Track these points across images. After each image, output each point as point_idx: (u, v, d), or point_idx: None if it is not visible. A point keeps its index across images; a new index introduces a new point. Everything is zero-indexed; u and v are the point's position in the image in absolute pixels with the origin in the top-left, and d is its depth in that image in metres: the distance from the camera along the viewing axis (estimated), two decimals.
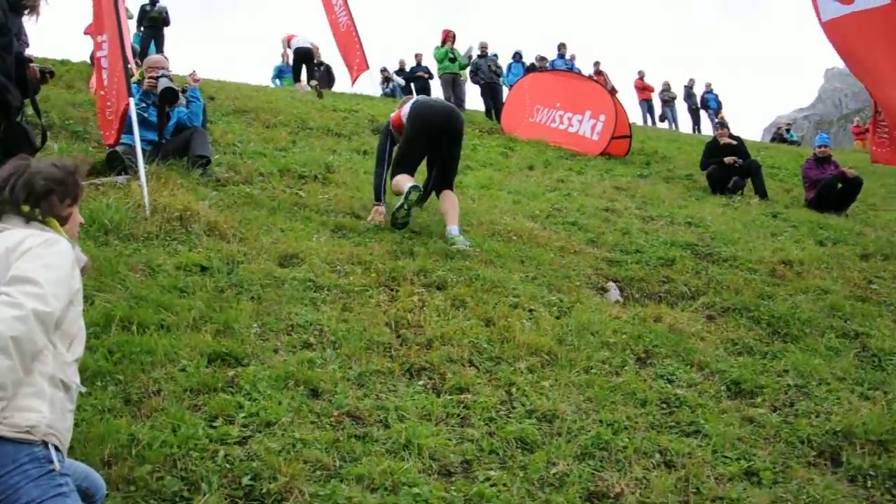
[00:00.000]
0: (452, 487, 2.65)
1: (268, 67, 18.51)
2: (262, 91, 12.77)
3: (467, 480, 2.72)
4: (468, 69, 15.34)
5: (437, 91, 18.28)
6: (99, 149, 6.34)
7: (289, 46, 16.73)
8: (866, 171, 8.99)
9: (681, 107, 20.85)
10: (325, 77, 18.72)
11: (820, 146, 9.37)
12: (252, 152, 7.32)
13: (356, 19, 15.68)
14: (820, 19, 6.16)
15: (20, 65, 3.77)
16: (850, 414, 3.46)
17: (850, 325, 4.69)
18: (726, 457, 3.07)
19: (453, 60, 14.51)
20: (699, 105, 20.66)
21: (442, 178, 5.77)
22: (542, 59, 17.66)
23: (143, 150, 5.30)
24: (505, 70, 16.20)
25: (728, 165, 9.24)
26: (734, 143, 9.64)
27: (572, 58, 18.10)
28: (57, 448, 1.84)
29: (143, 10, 13.96)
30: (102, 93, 5.87)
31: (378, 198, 5.87)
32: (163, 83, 5.99)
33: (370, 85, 16.90)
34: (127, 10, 11.11)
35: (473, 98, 20.15)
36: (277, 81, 18.73)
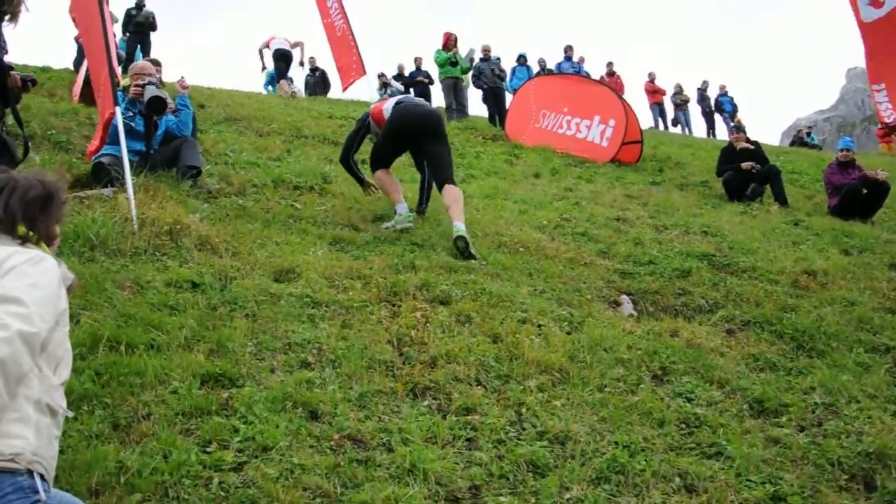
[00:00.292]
0: None
1: (260, 74, 18.60)
2: (254, 98, 12.83)
3: None
4: (470, 73, 15.40)
5: (437, 97, 18.39)
6: (83, 160, 6.36)
7: (267, 47, 16.83)
8: (894, 177, 8.97)
9: (694, 110, 20.93)
10: (320, 83, 18.84)
11: (843, 150, 9.36)
12: (245, 162, 7.33)
13: (352, 22, 15.82)
14: (860, 21, 6.22)
15: (0, 73, 3.77)
16: (884, 434, 3.42)
17: (880, 339, 4.66)
18: (751, 480, 3.04)
19: (455, 64, 14.56)
20: (713, 108, 20.70)
21: (439, 175, 6.04)
22: (542, 62, 17.76)
23: (130, 161, 5.30)
24: (509, 74, 16.27)
25: (745, 171, 9.24)
26: (751, 147, 9.65)
27: (581, 60, 18.18)
28: (42, 477, 1.82)
29: (128, 14, 14.02)
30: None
31: (361, 182, 6.60)
32: (150, 91, 5.98)
33: (368, 91, 17.01)
34: (112, 14, 11.19)
35: (476, 104, 20.21)
36: (270, 88, 18.84)
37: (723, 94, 20.73)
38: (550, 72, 17.06)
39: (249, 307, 3.97)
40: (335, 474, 2.75)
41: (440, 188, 5.97)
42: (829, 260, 6.23)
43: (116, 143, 5.48)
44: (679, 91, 20.52)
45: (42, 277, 1.88)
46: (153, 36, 14.33)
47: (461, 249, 5.37)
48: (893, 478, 3.13)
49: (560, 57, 17.91)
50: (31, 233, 1.99)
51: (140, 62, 7.06)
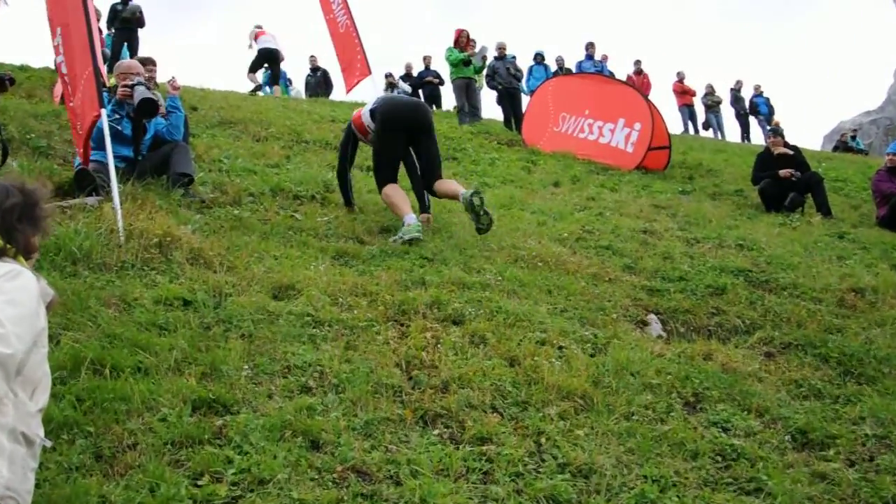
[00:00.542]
0: None
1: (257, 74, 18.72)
2: (250, 100, 12.91)
3: None
4: (484, 73, 15.43)
5: (448, 99, 18.43)
6: (65, 166, 6.39)
7: (255, 41, 16.88)
8: None
9: (727, 112, 20.89)
10: (321, 83, 18.94)
11: (891, 154, 9.31)
12: (241, 169, 7.35)
13: (357, 19, 15.90)
14: None
15: None
16: None
17: None
18: None
19: (468, 64, 14.57)
20: (748, 110, 20.67)
21: (432, 175, 6.42)
22: (561, 60, 17.78)
23: (117, 168, 5.32)
24: (525, 74, 16.30)
25: (784, 179, 9.20)
26: (790, 152, 9.61)
27: (603, 59, 18.19)
28: None
29: (113, 9, 14.03)
30: (72, 104, 5.90)
31: (349, 203, 6.74)
32: (140, 93, 5.96)
33: (373, 92, 17.04)
34: (96, 9, 11.26)
35: (489, 106, 20.26)
36: (268, 89, 18.94)
37: (758, 94, 20.69)
38: (570, 71, 17.10)
39: (245, 327, 3.96)
40: None
41: (431, 185, 6.41)
42: (879, 276, 6.18)
43: (101, 148, 5.50)
44: (710, 92, 20.49)
45: (19, 294, 1.87)
46: (141, 33, 14.38)
47: (476, 207, 5.83)
48: None
49: (581, 55, 17.97)
50: (7, 245, 1.98)
51: (127, 61, 7.09)
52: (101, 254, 4.53)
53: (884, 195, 8.94)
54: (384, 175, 6.38)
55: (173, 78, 6.63)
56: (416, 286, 4.86)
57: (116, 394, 3.17)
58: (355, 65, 15.73)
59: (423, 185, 6.60)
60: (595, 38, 16.48)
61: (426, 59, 19.23)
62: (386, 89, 17.53)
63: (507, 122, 15.02)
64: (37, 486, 2.02)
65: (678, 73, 20.26)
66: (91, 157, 5.86)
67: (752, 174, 9.75)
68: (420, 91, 18.93)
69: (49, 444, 2.05)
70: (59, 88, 9.19)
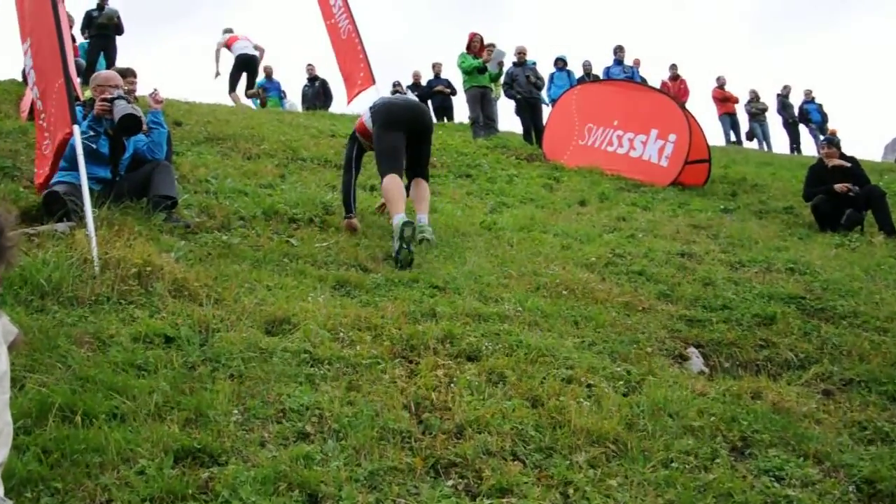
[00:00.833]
0: None
1: (213, 80, 18.82)
2: (240, 114, 13.01)
3: None
4: (500, 81, 15.49)
5: (461, 110, 18.49)
6: (32, 189, 6.43)
7: (229, 50, 16.97)
8: None
9: (774, 121, 20.87)
10: (319, 94, 19.09)
11: None
12: (230, 191, 7.39)
13: (360, 24, 16.03)
14: None
15: None
16: None
17: None
18: None
19: (482, 71, 14.61)
20: (797, 118, 20.62)
21: (417, 168, 7.08)
22: (588, 65, 17.83)
23: (92, 191, 5.34)
24: (546, 81, 16.36)
25: (840, 194, 9.16)
26: (847, 164, 9.57)
27: (635, 64, 18.24)
28: None
29: (88, 15, 14.13)
30: (41, 122, 5.93)
31: (349, 209, 7.02)
32: (121, 108, 5.97)
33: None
34: (69, 15, 11.35)
35: (507, 117, 20.34)
36: (250, 102, 19.08)
37: (809, 100, 20.63)
38: (597, 78, 17.15)
39: (235, 366, 3.95)
40: None
41: (410, 178, 7.04)
42: None
43: (74, 168, 5.51)
44: (755, 98, 20.51)
45: None
46: (119, 41, 14.44)
47: (407, 238, 6.04)
48: None
49: (609, 59, 18.04)
50: None
51: (105, 72, 7.11)
52: (73, 286, 4.54)
53: None
54: (385, 166, 6.91)
55: (155, 90, 6.63)
56: (426, 318, 4.85)
57: (89, 444, 3.15)
58: (357, 74, 15.81)
59: (406, 174, 7.13)
60: (625, 42, 16.54)
61: (436, 67, 19.35)
62: None
63: (526, 134, 15.06)
64: None
65: (718, 79, 20.29)
66: (61, 179, 5.87)
67: (803, 189, 9.71)
68: (429, 102, 19.03)
69: (10, 503, 2.03)
70: (26, 101, 9.25)
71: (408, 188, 7.17)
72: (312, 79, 19.53)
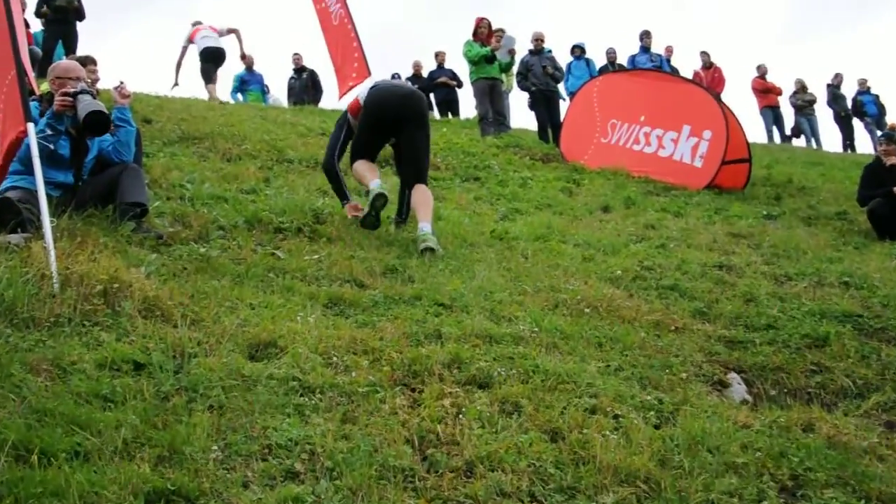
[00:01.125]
0: None
1: (226, 77, 18.95)
2: (218, 110, 13.04)
3: None
4: (514, 72, 15.48)
5: (467, 104, 18.50)
6: None
7: (192, 43, 16.99)
8: None
9: (823, 114, 20.80)
10: (308, 87, 19.13)
11: None
12: (207, 196, 7.40)
13: (353, 8, 16.05)
14: None
15: None
16: None
17: None
18: None
19: (491, 60, 14.62)
20: (851, 111, 20.55)
21: (411, 172, 7.36)
22: (612, 53, 17.83)
23: (50, 197, 5.33)
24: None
25: None
26: None
27: (666, 52, 18.22)
28: None
29: None
30: None
31: (344, 196, 7.56)
32: (86, 104, 5.91)
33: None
34: None
35: (520, 112, 20.40)
36: (239, 96, 19.17)
37: (863, 91, 20.53)
38: (622, 67, 17.17)
39: (214, 396, 3.93)
40: None
41: (410, 185, 7.29)
42: None
43: (29, 172, 5.47)
44: (801, 89, 20.46)
45: None
46: (80, 26, 14.41)
47: (377, 207, 6.82)
48: None
49: (634, 47, 18.06)
50: None
51: (65, 62, 7.09)
52: (29, 306, 4.51)
53: None
54: (358, 154, 7.39)
55: (122, 83, 6.60)
56: (431, 340, 4.83)
57: (47, 487, 3.13)
58: (351, 64, 15.81)
59: (402, 180, 7.60)
60: (652, 27, 16.38)
61: (439, 56, 19.40)
62: None
63: (542, 132, 15.08)
64: None
65: (759, 67, 20.25)
66: (14, 184, 5.83)
67: (858, 192, 9.69)
68: (432, 95, 19.05)
69: None
70: None
71: (404, 197, 7.49)
72: (299, 70, 19.57)
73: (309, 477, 3.45)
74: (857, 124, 20.67)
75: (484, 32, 14.85)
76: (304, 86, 19.21)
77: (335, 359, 4.46)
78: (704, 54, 19.24)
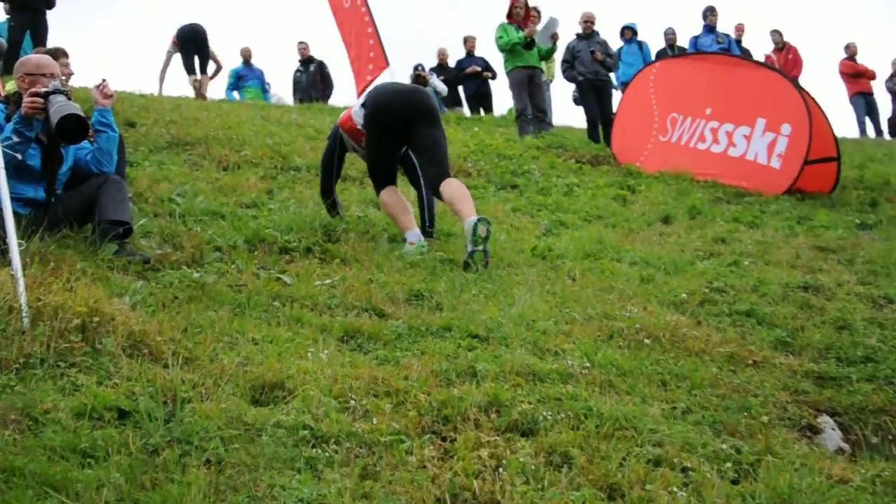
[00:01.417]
0: None
1: (221, 73, 19.08)
2: (213, 110, 13.12)
3: None
4: (557, 60, 15.45)
5: (502, 98, 18.45)
6: None
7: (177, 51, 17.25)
8: None
9: None
10: (317, 82, 19.22)
11: None
12: (202, 212, 7.44)
13: None
14: None
15: None
16: None
17: None
18: None
19: (529, 46, 14.61)
20: None
21: (433, 171, 7.44)
22: (671, 34, 17.75)
23: (18, 215, 5.36)
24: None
25: None
26: None
27: (737, 31, 18.09)
28: None
29: None
30: None
31: (337, 214, 7.89)
32: (60, 105, 5.84)
33: None
34: None
35: (564, 106, 20.34)
36: (235, 94, 19.28)
37: None
38: (682, 51, 17.12)
39: (212, 448, 3.93)
40: None
41: (436, 186, 7.34)
42: None
43: None
44: None
45: None
46: (50, 15, 14.58)
47: (477, 239, 6.81)
48: None
49: (697, 27, 17.99)
50: None
51: (35, 56, 7.12)
52: None
53: None
54: (381, 177, 7.64)
55: (103, 81, 6.62)
56: (464, 379, 4.81)
57: None
58: (367, 55, 15.84)
59: (426, 184, 7.76)
60: (719, 2, 16.13)
61: (468, 42, 19.41)
62: None
63: (591, 129, 15.07)
64: None
65: (847, 47, 20.02)
66: None
67: None
68: (460, 88, 19.05)
69: None
70: None
71: (424, 203, 7.85)
72: (306, 61, 19.66)
73: None
74: None
75: (520, 13, 14.85)
76: (312, 80, 19.31)
77: (352, 402, 4.45)
78: (776, 33, 19.12)
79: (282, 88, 20.25)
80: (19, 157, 6.00)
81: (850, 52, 19.96)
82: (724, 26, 17.97)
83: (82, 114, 5.93)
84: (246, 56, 19.76)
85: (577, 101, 16.02)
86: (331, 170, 8.02)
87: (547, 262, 7.44)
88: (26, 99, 6.01)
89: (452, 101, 19.41)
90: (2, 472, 3.59)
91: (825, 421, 4.89)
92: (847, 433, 4.87)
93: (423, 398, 4.52)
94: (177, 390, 4.34)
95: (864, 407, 5.06)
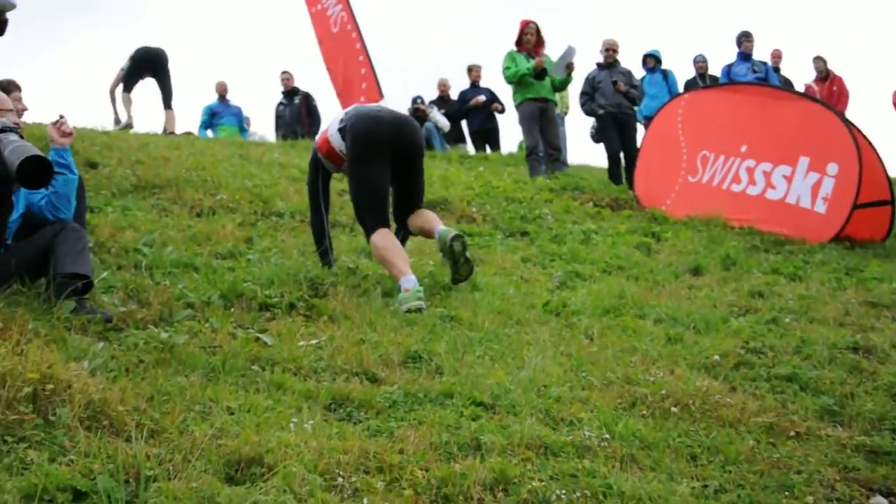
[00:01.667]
0: None
1: (193, 108, 19.19)
2: (184, 148, 13.16)
3: None
4: (569, 89, 15.48)
5: (510, 134, 18.51)
6: None
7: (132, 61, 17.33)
8: None
9: None
10: (302, 116, 19.29)
11: None
12: (171, 264, 7.46)
13: (359, 11, 16.14)
14: None
15: None
16: None
17: None
18: None
19: (541, 76, 14.67)
20: None
21: (409, 204, 8.14)
22: (701, 62, 17.78)
23: None
24: None
25: None
26: None
27: (774, 58, 18.12)
28: None
29: None
30: None
31: (328, 262, 8.14)
32: (15, 146, 5.84)
33: None
34: None
35: (581, 143, 20.42)
36: (209, 133, 19.34)
37: None
38: (714, 81, 17.19)
39: None
40: None
41: (407, 216, 8.10)
42: None
43: None
44: None
45: None
46: (1, 41, 14.77)
47: (457, 253, 7.48)
48: None
49: (731, 54, 18.06)
50: None
51: None
52: None
53: None
54: (371, 217, 7.82)
55: (61, 118, 6.66)
56: (467, 453, 4.81)
57: None
58: (358, 84, 15.89)
59: (396, 218, 8.23)
60: (754, 27, 16.19)
61: (473, 72, 19.50)
62: None
63: (612, 168, 15.08)
64: None
65: None
66: None
67: None
68: (464, 123, 19.11)
69: None
70: None
71: (401, 236, 8.09)
72: (290, 93, 19.74)
73: None
74: None
75: (531, 40, 14.88)
76: (297, 114, 19.38)
77: (340, 480, 4.44)
78: (819, 60, 19.11)
79: (262, 125, 20.32)
80: None
81: None
82: (761, 53, 18.08)
83: (37, 151, 5.86)
84: (221, 91, 19.86)
85: (594, 137, 16.03)
86: (319, 202, 8.23)
87: (561, 320, 7.45)
88: None
89: (455, 137, 19.48)
90: None
91: (878, 502, 4.86)
92: None
93: (421, 475, 4.50)
94: (141, 467, 4.33)
95: None
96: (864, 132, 11.75)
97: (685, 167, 12.64)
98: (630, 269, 9.38)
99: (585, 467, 4.71)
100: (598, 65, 15.43)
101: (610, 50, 15.45)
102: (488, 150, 19.17)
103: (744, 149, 12.12)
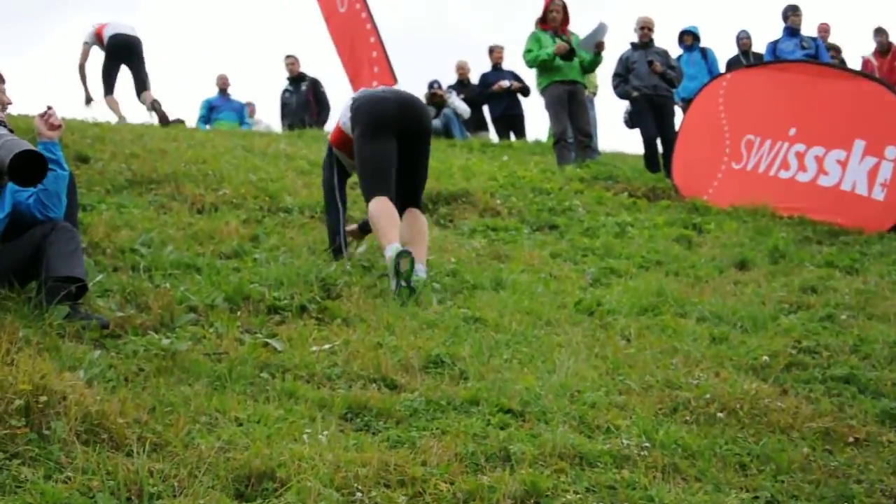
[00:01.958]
0: None
1: (192, 100, 19.27)
2: (184, 140, 13.16)
3: None
4: (603, 70, 15.49)
5: (536, 120, 18.48)
6: None
7: (100, 42, 17.28)
8: None
9: None
10: (309, 103, 19.26)
11: None
12: (172, 265, 7.47)
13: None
14: None
15: None
16: None
17: None
18: None
19: (569, 56, 14.60)
20: None
21: (404, 190, 8.24)
22: (744, 38, 17.68)
23: None
24: None
25: None
26: None
27: (821, 33, 18.00)
28: None
29: None
30: None
31: (339, 251, 8.39)
32: (4, 141, 5.86)
33: None
34: None
35: (613, 128, 20.41)
36: (207, 128, 19.35)
37: None
38: (759, 59, 17.11)
39: None
40: None
41: (401, 209, 8.10)
42: None
43: None
44: None
45: None
46: None
47: (405, 273, 7.33)
48: None
49: (776, 29, 17.97)
50: None
51: None
52: None
53: None
54: (373, 185, 8.07)
55: (50, 110, 6.65)
56: (495, 464, 4.81)
57: None
58: (369, 68, 15.85)
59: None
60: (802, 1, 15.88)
61: (495, 53, 19.43)
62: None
63: (648, 155, 15.00)
64: None
65: None
66: None
67: None
68: (486, 109, 19.06)
69: None
70: None
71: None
72: (296, 79, 19.68)
73: None
74: None
75: (557, 18, 14.77)
76: (304, 101, 19.29)
77: (359, 495, 4.45)
78: (880, 32, 18.90)
79: (267, 114, 20.34)
80: None
81: None
82: (809, 29, 17.95)
83: (29, 146, 5.89)
84: (222, 85, 19.91)
85: (628, 122, 15.99)
86: (336, 203, 8.40)
87: (595, 319, 7.45)
88: None
89: (476, 124, 19.41)
90: None
91: None
92: None
93: (445, 488, 4.51)
94: (143, 484, 4.35)
95: None
96: None
97: (728, 153, 12.58)
98: (669, 264, 9.35)
99: (624, 478, 4.70)
100: (633, 44, 15.30)
101: (645, 28, 15.30)
102: (513, 137, 19.09)
103: (792, 132, 12.06)
